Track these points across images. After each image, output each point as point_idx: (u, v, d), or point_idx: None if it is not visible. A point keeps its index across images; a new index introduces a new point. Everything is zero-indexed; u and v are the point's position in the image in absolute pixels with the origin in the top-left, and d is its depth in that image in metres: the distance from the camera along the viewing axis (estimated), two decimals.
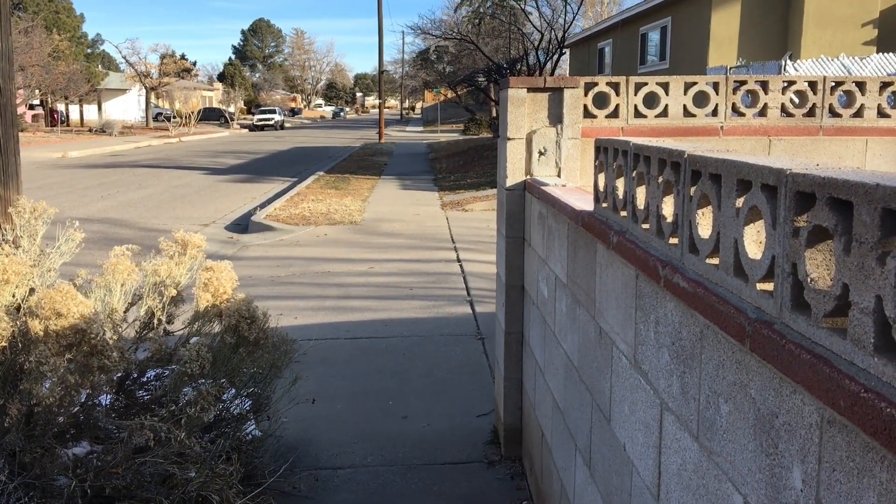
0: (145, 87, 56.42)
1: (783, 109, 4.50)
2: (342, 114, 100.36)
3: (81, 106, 55.50)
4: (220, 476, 3.68)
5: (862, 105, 4.53)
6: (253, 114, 67.70)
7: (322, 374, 6.09)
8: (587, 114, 4.38)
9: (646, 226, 2.21)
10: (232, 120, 64.37)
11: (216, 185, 20.86)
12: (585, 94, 4.37)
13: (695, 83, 4.43)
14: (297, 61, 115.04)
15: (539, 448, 4.05)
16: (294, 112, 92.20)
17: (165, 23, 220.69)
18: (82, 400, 3.64)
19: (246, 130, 58.87)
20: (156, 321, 4.12)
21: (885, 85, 4.58)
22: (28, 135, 39.34)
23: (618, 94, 4.39)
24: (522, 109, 4.32)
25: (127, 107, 62.08)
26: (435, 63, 42.80)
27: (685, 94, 4.41)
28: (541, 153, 4.31)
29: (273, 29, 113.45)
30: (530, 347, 4.32)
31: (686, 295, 1.80)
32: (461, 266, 10.19)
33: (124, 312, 4.11)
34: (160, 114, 59.95)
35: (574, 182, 4.23)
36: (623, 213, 2.44)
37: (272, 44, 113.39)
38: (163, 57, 57.64)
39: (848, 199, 1.17)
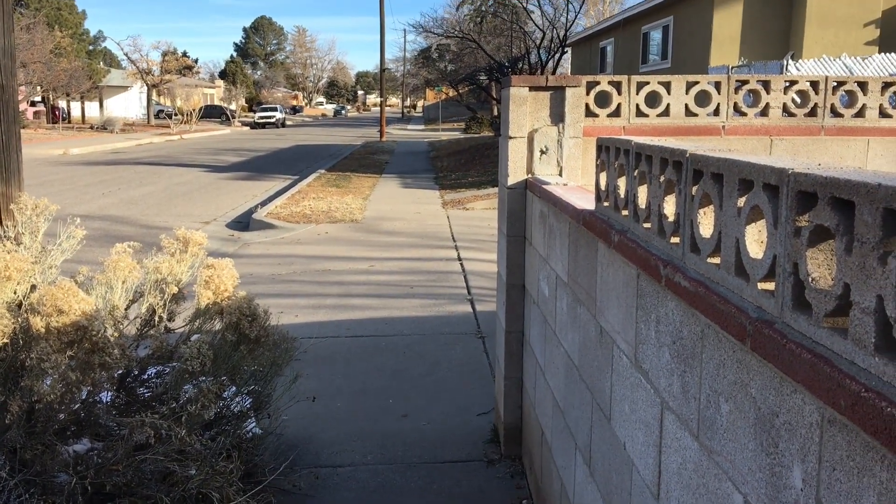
0: (147, 85, 56.45)
1: (785, 109, 4.50)
2: (343, 112, 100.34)
3: (83, 103, 55.54)
4: (221, 474, 3.68)
5: (864, 105, 4.52)
6: (254, 111, 67.68)
7: (322, 373, 6.09)
8: (589, 113, 4.38)
9: (647, 225, 2.21)
10: (233, 117, 64.38)
11: (217, 183, 20.87)
12: (587, 93, 4.37)
13: (697, 82, 4.43)
14: (298, 59, 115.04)
15: (539, 447, 4.05)
16: (295, 110, 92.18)
17: (167, 20, 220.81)
18: (83, 397, 3.65)
19: (247, 128, 58.87)
20: (157, 318, 4.12)
21: (887, 85, 4.57)
22: (30, 132, 39.37)
23: (620, 93, 4.39)
24: (524, 108, 4.32)
25: (128, 104, 62.12)
26: (436, 61, 42.79)
27: (687, 93, 4.41)
28: (542, 152, 4.31)
29: (275, 26, 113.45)
30: (531, 346, 4.32)
31: (687, 294, 1.80)
32: (462, 265, 10.19)
33: (125, 310, 4.11)
34: (161, 111, 59.97)
35: (575, 181, 4.23)
36: (624, 213, 2.44)
37: (274, 41, 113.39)
38: (164, 54, 57.70)
39: (850, 199, 1.17)
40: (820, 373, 1.22)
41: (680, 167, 1.93)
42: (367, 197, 17.52)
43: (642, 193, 2.27)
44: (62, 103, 52.71)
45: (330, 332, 7.26)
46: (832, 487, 1.22)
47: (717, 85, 4.44)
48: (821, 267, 1.30)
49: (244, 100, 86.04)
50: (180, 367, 3.78)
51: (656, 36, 24.24)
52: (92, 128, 47.69)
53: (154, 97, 58.55)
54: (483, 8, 32.40)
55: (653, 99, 4.41)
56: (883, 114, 4.56)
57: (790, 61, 15.02)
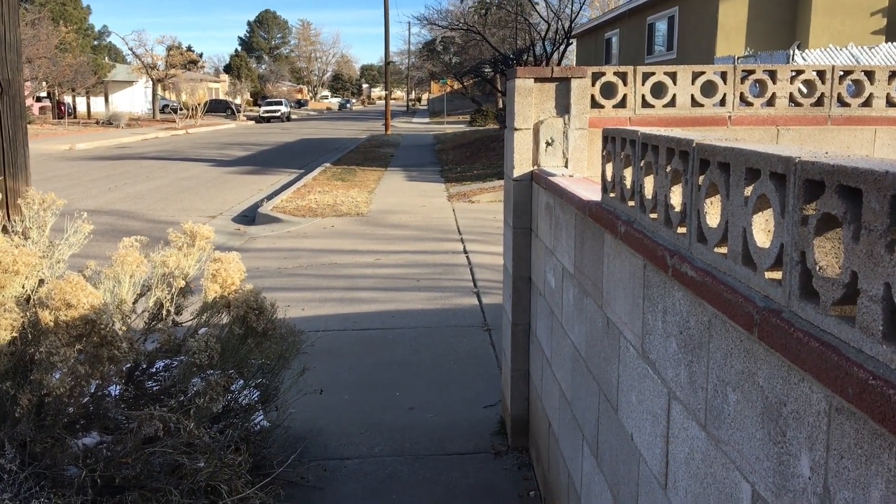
0: (152, 79, 56.51)
1: (791, 99, 4.48)
2: (348, 105, 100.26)
3: (88, 98, 55.61)
4: (229, 466, 3.70)
5: (871, 94, 4.50)
6: (259, 105, 67.72)
7: (329, 365, 6.11)
8: (594, 104, 4.37)
9: (654, 215, 2.21)
10: (238, 112, 64.43)
11: (223, 177, 20.90)
12: (593, 84, 4.36)
13: (702, 73, 4.42)
14: (303, 53, 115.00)
15: (546, 438, 4.06)
16: (300, 104, 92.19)
17: (172, 14, 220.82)
18: (92, 390, 3.67)
19: (252, 122, 58.91)
20: (164, 312, 4.14)
21: (894, 74, 4.55)
22: (36, 127, 39.46)
23: (625, 83, 4.38)
24: (529, 100, 4.31)
25: (134, 99, 62.19)
26: (441, 54, 42.73)
27: (693, 83, 4.39)
28: (548, 143, 4.31)
29: (279, 20, 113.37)
30: (537, 338, 4.32)
31: (694, 284, 1.80)
32: (468, 257, 10.19)
33: (133, 303, 4.13)
34: (167, 105, 60.06)
35: (581, 172, 4.23)
36: (631, 203, 2.44)
37: (278, 35, 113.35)
38: (169, 49, 57.71)
39: (857, 187, 1.17)
40: (827, 361, 1.22)
41: (686, 157, 1.93)
42: (373, 190, 17.52)
43: (648, 184, 2.27)
44: (68, 98, 52.82)
45: (337, 325, 7.28)
46: (840, 475, 1.22)
47: (724, 75, 4.43)
48: (828, 255, 1.29)
49: (249, 94, 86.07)
50: (188, 360, 3.80)
51: (662, 27, 24.13)
52: (97, 123, 47.77)
53: (159, 92, 58.63)
54: (487, 0, 32.32)
55: (658, 89, 4.40)
56: (890, 103, 4.53)
57: (796, 51, 14.95)
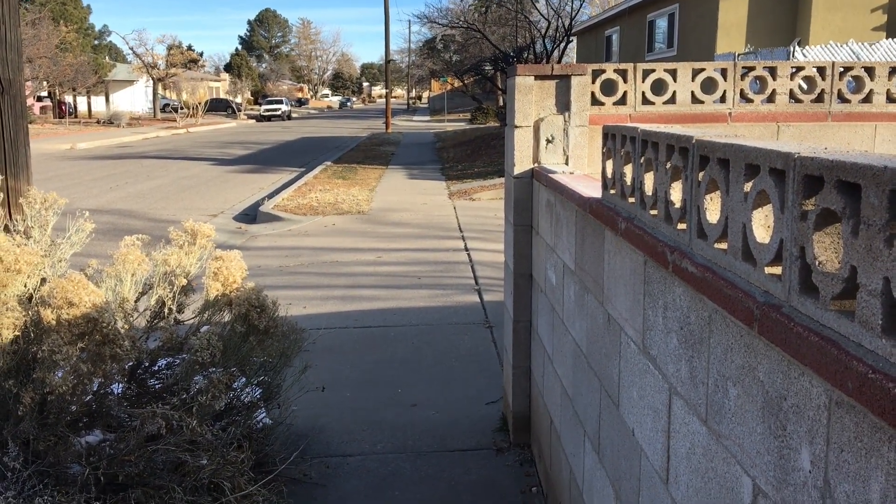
0: (152, 79, 56.49)
1: (792, 95, 4.48)
2: (349, 104, 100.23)
3: (89, 97, 55.60)
4: (232, 463, 3.71)
5: (871, 90, 4.51)
6: (260, 104, 67.71)
7: (331, 363, 6.12)
8: (595, 101, 4.38)
9: (654, 212, 2.22)
10: (239, 110, 64.43)
11: (224, 176, 20.91)
12: (593, 82, 4.36)
13: (703, 70, 4.42)
14: (303, 51, 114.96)
15: (548, 435, 4.07)
16: (301, 102, 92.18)
17: (172, 13, 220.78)
18: (95, 388, 3.68)
19: (253, 121, 58.91)
20: (166, 310, 4.15)
21: (894, 70, 4.55)
22: (37, 126, 39.48)
23: (625, 81, 4.39)
24: (530, 97, 4.32)
25: (134, 98, 62.18)
26: (441, 52, 42.72)
27: (693, 80, 4.40)
28: (548, 141, 4.31)
29: (279, 19, 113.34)
30: (538, 335, 4.33)
31: (694, 280, 1.81)
32: (469, 255, 10.19)
33: (135, 302, 4.13)
34: (167, 105, 60.05)
35: (582, 169, 4.23)
36: (631, 200, 2.45)
37: (279, 34, 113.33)
38: (170, 48, 57.68)
39: (856, 182, 1.18)
40: (827, 355, 1.23)
41: (686, 153, 1.93)
42: (374, 188, 17.53)
43: (649, 180, 2.28)
44: (68, 98, 52.82)
45: (338, 322, 7.29)
46: (840, 469, 1.23)
47: (724, 72, 4.43)
48: (827, 250, 1.30)
49: (249, 93, 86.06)
50: (190, 358, 3.81)
51: (662, 24, 24.12)
52: (98, 122, 47.78)
53: (160, 91, 58.62)
54: None
55: (659, 86, 4.40)
56: (890, 99, 4.54)
57: (797, 48, 14.94)
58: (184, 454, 3.59)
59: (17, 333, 3.48)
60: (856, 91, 4.53)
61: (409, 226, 12.73)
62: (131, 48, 56.46)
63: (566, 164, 4.32)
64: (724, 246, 1.71)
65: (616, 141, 2.65)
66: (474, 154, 24.95)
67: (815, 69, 4.50)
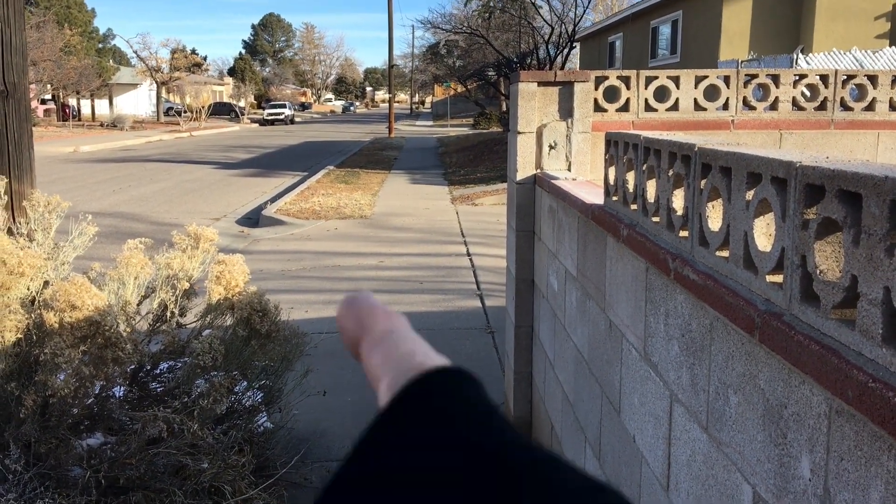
0: (156, 82, 56.61)
1: (794, 103, 4.49)
2: (352, 108, 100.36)
3: (93, 100, 55.74)
4: (233, 467, 3.71)
5: (874, 99, 4.51)
6: (263, 108, 67.80)
7: (333, 367, 6.12)
8: (597, 108, 4.39)
9: (656, 219, 2.22)
10: (242, 114, 64.52)
11: (227, 180, 20.94)
12: (596, 88, 4.37)
13: (705, 77, 4.43)
14: (307, 56, 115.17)
15: (549, 440, 4.07)
16: (304, 106, 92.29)
17: (176, 17, 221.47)
18: (96, 391, 3.68)
19: (256, 125, 58.98)
20: (168, 314, 4.15)
21: None
22: (40, 129, 39.56)
23: (628, 87, 4.40)
24: (533, 103, 4.33)
25: (138, 101, 62.31)
26: (445, 57, 42.78)
27: (696, 87, 4.40)
28: (551, 147, 4.32)
29: (283, 23, 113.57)
30: (540, 341, 4.33)
31: (696, 287, 1.81)
32: (471, 260, 10.20)
33: (137, 305, 4.14)
34: (171, 108, 60.16)
35: (584, 176, 4.24)
36: (633, 207, 2.45)
37: (282, 38, 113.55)
38: (173, 52, 57.81)
39: (857, 192, 1.18)
40: (828, 364, 1.23)
41: (688, 161, 1.94)
42: (376, 193, 17.54)
43: (651, 187, 2.28)
44: (72, 101, 52.95)
45: None
46: (840, 477, 1.23)
47: (727, 79, 4.44)
48: (828, 259, 1.30)
49: (253, 97, 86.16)
50: (192, 361, 3.82)
51: (665, 30, 24.15)
52: (102, 125, 47.90)
53: (163, 94, 58.74)
54: (491, 3, 32.35)
55: (662, 93, 4.41)
56: (893, 107, 4.54)
57: (800, 55, 14.95)
58: (185, 458, 3.59)
59: (19, 336, 3.49)
60: (858, 99, 4.53)
61: (411, 230, 12.73)
62: (135, 52, 56.61)
63: (569, 170, 4.32)
64: (725, 254, 1.72)
65: (619, 148, 2.66)
66: (477, 159, 24.96)
67: (818, 77, 4.50)
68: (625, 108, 4.41)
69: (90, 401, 3.66)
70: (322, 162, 26.06)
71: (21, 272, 3.66)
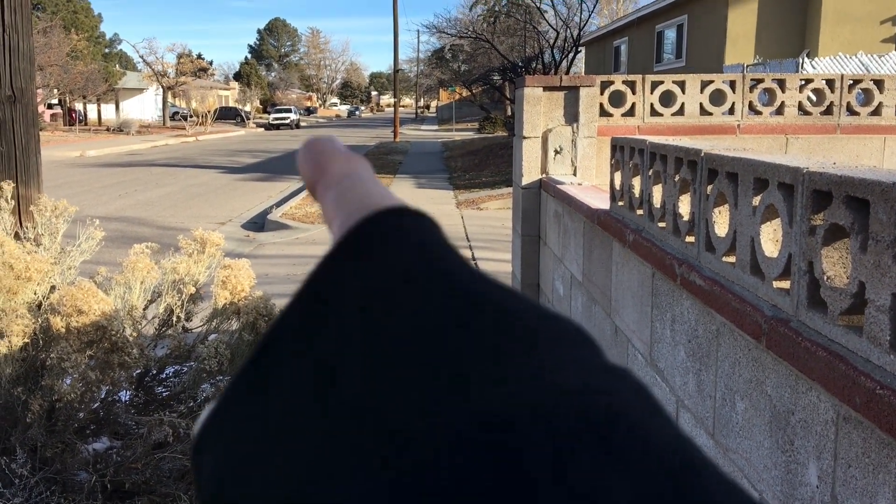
0: (162, 87, 56.79)
1: (800, 107, 4.48)
2: (357, 113, 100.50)
3: (99, 105, 55.92)
4: None
5: (880, 103, 4.50)
6: (269, 113, 67.93)
7: None
8: (603, 112, 4.39)
9: (662, 224, 2.22)
10: (248, 119, 64.66)
11: (233, 184, 20.98)
12: (601, 93, 4.37)
13: (711, 81, 4.43)
14: (312, 60, 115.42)
15: None
16: (309, 111, 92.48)
17: (182, 22, 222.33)
18: (102, 396, 3.69)
19: (262, 129, 59.09)
20: (174, 318, 4.16)
21: None
22: (47, 134, 39.70)
23: (634, 92, 4.39)
24: (538, 108, 4.33)
25: (144, 106, 62.51)
26: (450, 62, 42.83)
27: (702, 92, 4.40)
28: (556, 152, 4.32)
29: (289, 28, 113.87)
30: None
31: (702, 293, 1.81)
32: (476, 264, 10.18)
33: (144, 310, 4.15)
34: (177, 113, 60.34)
35: (590, 180, 4.24)
36: (639, 212, 2.45)
37: (288, 43, 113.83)
38: (179, 56, 58.02)
39: (864, 198, 1.18)
40: (835, 370, 1.23)
41: (695, 166, 1.94)
42: None
43: (657, 193, 2.28)
44: (79, 105, 53.14)
45: None
46: (848, 484, 1.23)
47: (732, 84, 4.44)
48: (836, 265, 1.30)
49: (259, 101, 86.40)
50: (198, 366, 3.82)
51: (671, 35, 24.15)
52: (108, 130, 48.05)
53: (169, 99, 58.91)
54: (496, 8, 32.40)
55: (667, 98, 4.40)
56: None
57: (806, 59, 14.93)
58: (190, 462, 3.59)
59: (26, 340, 3.50)
60: (865, 104, 4.52)
61: None
62: (141, 56, 56.82)
63: (574, 174, 4.32)
64: (732, 259, 1.71)
65: (624, 153, 2.66)
66: (482, 163, 24.98)
67: (824, 81, 4.50)
68: (630, 112, 4.41)
69: (96, 405, 3.67)
70: None
71: (28, 277, 3.68)
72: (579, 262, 3.31)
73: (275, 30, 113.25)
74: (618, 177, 2.74)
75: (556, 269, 3.92)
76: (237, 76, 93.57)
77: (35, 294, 3.78)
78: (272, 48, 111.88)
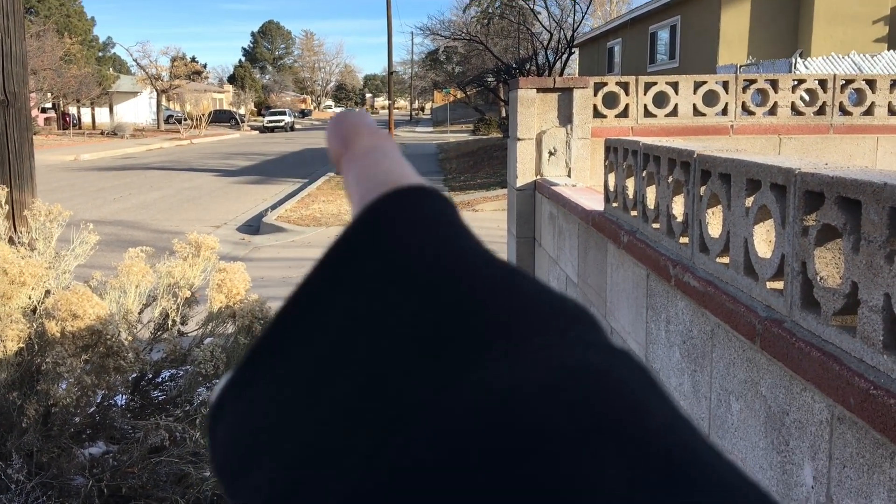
0: (156, 90, 56.70)
1: (793, 108, 4.49)
2: None
3: (93, 109, 55.81)
4: None
5: (872, 103, 4.52)
6: (263, 115, 67.89)
7: None
8: (597, 114, 4.39)
9: (656, 225, 2.22)
10: (242, 122, 64.59)
11: (227, 187, 20.96)
12: (595, 94, 4.38)
13: (704, 82, 4.44)
14: (306, 63, 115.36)
15: None
16: (304, 113, 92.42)
17: (175, 25, 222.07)
18: (98, 400, 3.68)
19: (256, 132, 59.04)
20: (170, 322, 4.16)
21: (895, 83, 4.57)
22: (41, 138, 39.60)
23: (627, 93, 4.40)
24: (532, 110, 4.34)
25: (138, 109, 62.37)
26: (444, 63, 42.84)
27: (695, 93, 4.41)
28: (551, 153, 4.33)
29: (282, 31, 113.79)
30: None
31: (697, 294, 1.81)
32: None
33: (139, 314, 4.14)
34: (171, 116, 60.23)
35: (584, 182, 4.24)
36: (633, 213, 2.46)
37: (282, 45, 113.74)
38: (173, 59, 57.91)
39: (856, 199, 1.18)
40: (829, 371, 1.23)
41: (688, 168, 1.94)
42: None
43: (651, 194, 2.28)
44: (72, 109, 53.02)
45: None
46: (843, 484, 1.23)
47: (725, 84, 4.45)
48: (829, 266, 1.31)
49: (253, 104, 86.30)
50: (194, 370, 3.82)
51: (664, 35, 24.20)
52: (102, 133, 47.95)
53: (164, 102, 58.82)
54: (490, 10, 32.44)
55: (661, 99, 4.42)
56: (892, 111, 4.55)
57: (799, 59, 14.98)
58: (187, 466, 3.59)
59: (21, 345, 3.49)
60: (857, 103, 4.54)
61: None
62: (135, 60, 56.72)
63: (568, 176, 4.33)
64: (725, 260, 1.72)
65: (618, 154, 2.66)
66: (477, 165, 24.99)
67: (816, 82, 4.51)
68: (624, 113, 4.42)
69: (92, 410, 3.66)
70: (322, 169, 26.07)
71: (22, 281, 3.67)
72: (574, 263, 3.32)
73: (269, 32, 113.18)
74: (612, 178, 2.75)
75: (551, 271, 3.93)
76: (231, 79, 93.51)
77: (30, 299, 3.77)
78: (266, 51, 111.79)
